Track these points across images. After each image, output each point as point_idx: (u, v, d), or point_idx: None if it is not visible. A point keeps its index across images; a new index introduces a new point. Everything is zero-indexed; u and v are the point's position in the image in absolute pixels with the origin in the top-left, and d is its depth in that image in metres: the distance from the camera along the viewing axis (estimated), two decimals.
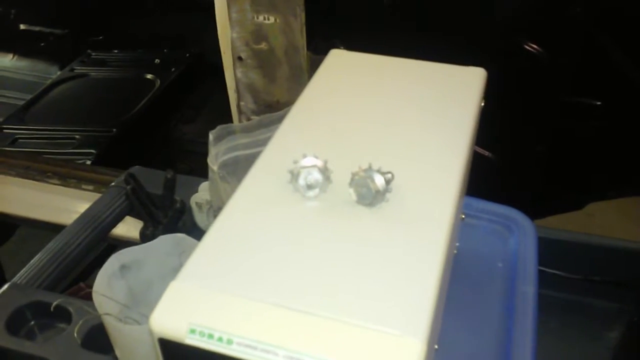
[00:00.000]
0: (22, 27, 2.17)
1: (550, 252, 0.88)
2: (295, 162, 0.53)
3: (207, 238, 0.50)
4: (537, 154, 1.22)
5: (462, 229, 0.81)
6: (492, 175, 1.23)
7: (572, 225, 1.30)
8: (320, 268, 0.47)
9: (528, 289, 0.77)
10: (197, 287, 0.45)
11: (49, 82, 1.96)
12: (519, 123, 1.19)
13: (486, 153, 1.21)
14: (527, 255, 0.81)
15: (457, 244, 0.81)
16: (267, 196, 0.54)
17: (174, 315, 0.44)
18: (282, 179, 0.54)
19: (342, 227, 0.51)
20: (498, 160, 1.22)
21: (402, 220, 0.51)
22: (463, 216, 0.80)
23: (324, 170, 0.53)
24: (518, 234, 0.85)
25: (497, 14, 1.10)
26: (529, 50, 1.09)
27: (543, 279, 0.83)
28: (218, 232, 0.50)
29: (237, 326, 0.43)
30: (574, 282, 0.95)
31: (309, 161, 0.53)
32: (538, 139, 1.20)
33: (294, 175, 0.53)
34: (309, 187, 0.53)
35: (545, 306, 0.79)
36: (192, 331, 0.43)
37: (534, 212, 1.23)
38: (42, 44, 2.15)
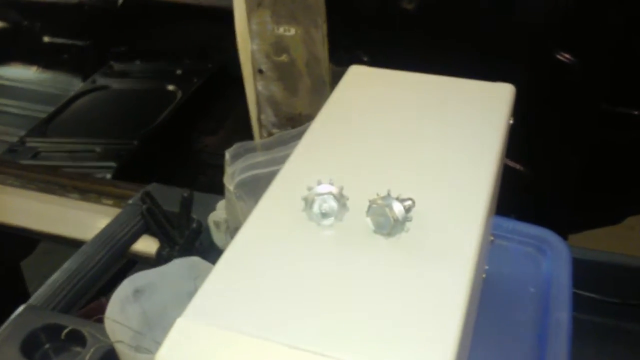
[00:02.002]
0: (45, 39, 2.19)
1: (585, 274, 0.84)
2: (310, 188, 0.50)
3: (217, 271, 0.48)
4: (572, 166, 1.17)
5: (491, 252, 0.77)
6: (524, 188, 1.19)
7: (612, 239, 1.25)
8: (334, 305, 0.44)
9: (562, 316, 0.73)
10: (204, 325, 0.43)
11: (71, 94, 1.98)
12: (552, 134, 1.15)
13: (517, 166, 1.17)
14: (561, 280, 0.77)
15: (486, 267, 0.77)
16: (280, 225, 0.51)
17: (180, 355, 0.42)
18: (295, 207, 0.51)
19: (358, 260, 0.48)
20: (530, 173, 1.18)
21: (422, 252, 0.48)
22: (492, 238, 0.76)
23: (340, 198, 0.50)
24: (551, 257, 0.81)
25: (525, 23, 1.06)
26: (560, 59, 1.05)
27: (578, 303, 0.79)
28: (228, 264, 0.48)
29: None
30: (610, 306, 0.91)
31: (323, 188, 0.50)
32: (573, 151, 1.16)
33: (308, 203, 0.50)
34: (324, 215, 0.50)
35: (580, 331, 0.76)
36: None
37: (569, 226, 1.19)
38: (65, 56, 2.16)
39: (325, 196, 0.50)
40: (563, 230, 0.86)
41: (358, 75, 0.71)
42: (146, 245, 1.04)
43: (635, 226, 1.24)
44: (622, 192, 1.21)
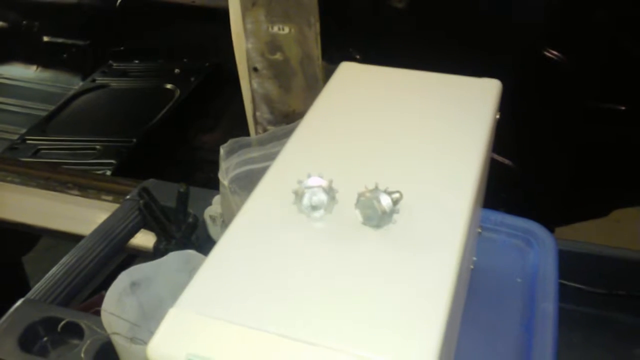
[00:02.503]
0: (45, 39, 2.20)
1: (573, 265, 0.85)
2: (300, 182, 0.52)
3: (208, 261, 0.49)
4: (560, 161, 1.19)
5: (479, 243, 0.79)
6: (513, 183, 1.20)
7: (599, 232, 1.27)
8: (323, 295, 0.45)
9: (548, 306, 0.74)
10: (196, 315, 0.44)
11: (71, 93, 1.99)
12: (540, 131, 1.16)
13: (506, 161, 1.19)
14: (547, 271, 0.79)
15: (474, 259, 0.78)
16: (271, 218, 0.52)
17: (172, 344, 0.43)
18: (286, 200, 0.52)
19: (347, 251, 0.49)
20: (519, 168, 1.20)
21: (409, 242, 0.49)
22: (480, 230, 0.78)
23: (329, 191, 0.51)
24: (538, 248, 0.82)
25: (515, 21, 1.07)
26: (549, 56, 1.06)
27: (566, 293, 0.80)
28: (220, 256, 0.49)
29: (236, 357, 0.41)
30: (598, 296, 0.92)
31: (313, 181, 0.51)
32: (561, 146, 1.17)
33: (298, 196, 0.52)
34: (314, 208, 0.52)
35: (567, 321, 0.77)
36: None
37: (557, 219, 1.21)
38: (65, 56, 2.17)
39: (315, 189, 0.51)
40: (551, 223, 0.87)
41: (348, 72, 0.72)
42: (146, 239, 1.05)
43: (621, 219, 1.25)
44: (608, 186, 1.22)
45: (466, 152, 0.59)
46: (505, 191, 1.06)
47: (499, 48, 1.08)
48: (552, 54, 1.06)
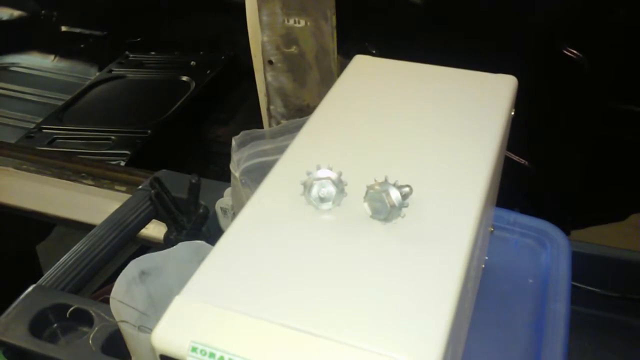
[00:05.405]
0: (63, 29, 2.22)
1: (586, 267, 0.84)
2: (309, 173, 0.51)
3: (215, 251, 0.49)
4: (577, 162, 1.17)
5: (491, 242, 0.78)
6: (529, 183, 1.19)
7: (617, 237, 1.25)
8: (329, 287, 0.45)
9: (559, 308, 0.73)
10: (201, 303, 0.44)
11: (87, 83, 2.00)
12: (557, 130, 1.15)
13: (522, 161, 1.17)
14: (559, 272, 0.78)
15: (486, 258, 0.78)
16: (279, 209, 0.52)
17: (177, 332, 0.43)
18: (295, 191, 0.52)
19: (354, 244, 0.48)
20: (536, 168, 1.18)
21: (417, 237, 0.49)
22: (492, 229, 0.77)
23: (338, 183, 0.51)
24: (551, 249, 0.81)
25: (534, 18, 1.06)
26: (568, 55, 1.05)
27: (578, 296, 0.79)
28: (226, 245, 0.49)
29: (239, 346, 0.41)
30: (611, 299, 0.91)
31: (322, 173, 0.51)
32: (578, 147, 1.16)
33: (307, 187, 0.51)
34: (322, 199, 0.51)
35: (579, 325, 0.76)
36: (194, 349, 0.42)
37: (573, 222, 1.19)
38: (82, 46, 2.19)
39: (324, 181, 0.51)
40: (566, 226, 0.86)
41: (362, 65, 0.72)
42: (157, 230, 1.05)
43: None
44: (626, 190, 1.20)
45: (479, 148, 0.58)
46: (520, 191, 1.05)
47: (517, 45, 1.07)
48: (570, 52, 1.04)
